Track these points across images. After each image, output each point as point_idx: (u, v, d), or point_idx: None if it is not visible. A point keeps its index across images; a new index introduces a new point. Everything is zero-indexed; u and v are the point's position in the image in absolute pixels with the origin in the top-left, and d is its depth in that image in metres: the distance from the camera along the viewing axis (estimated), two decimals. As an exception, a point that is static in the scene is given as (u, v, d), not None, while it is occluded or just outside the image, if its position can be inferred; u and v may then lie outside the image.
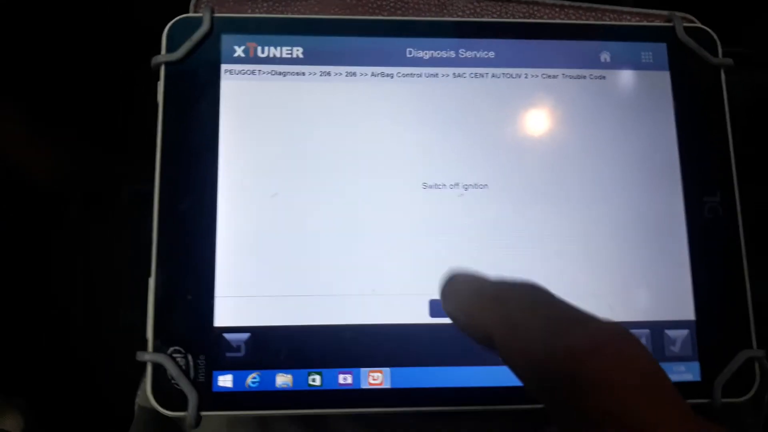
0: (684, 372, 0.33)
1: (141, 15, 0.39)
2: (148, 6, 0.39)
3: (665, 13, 0.37)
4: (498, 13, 0.37)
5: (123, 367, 0.40)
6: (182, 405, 0.30)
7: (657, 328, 0.33)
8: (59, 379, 0.44)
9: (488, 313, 0.20)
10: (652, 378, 0.16)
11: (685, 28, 0.36)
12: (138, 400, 0.36)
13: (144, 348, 0.31)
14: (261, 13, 0.36)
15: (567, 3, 0.37)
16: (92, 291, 0.46)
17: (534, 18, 0.37)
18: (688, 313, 0.33)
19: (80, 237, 0.46)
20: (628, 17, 0.38)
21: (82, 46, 0.43)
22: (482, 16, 0.37)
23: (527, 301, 0.19)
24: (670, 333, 0.33)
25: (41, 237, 0.44)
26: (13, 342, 0.42)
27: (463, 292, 0.21)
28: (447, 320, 0.31)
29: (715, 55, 0.35)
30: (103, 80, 0.45)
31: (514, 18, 0.37)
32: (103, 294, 0.46)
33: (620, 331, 0.17)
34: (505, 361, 0.19)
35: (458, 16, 0.37)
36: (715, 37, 0.36)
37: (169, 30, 0.33)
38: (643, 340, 0.32)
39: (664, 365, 0.31)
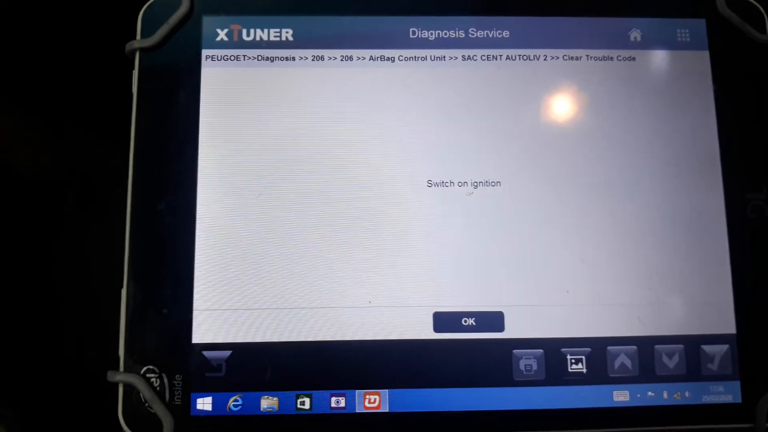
0: (723, 393, 0.29)
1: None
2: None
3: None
4: (513, -14, 0.33)
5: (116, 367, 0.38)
6: (156, 429, 0.27)
7: (693, 343, 0.30)
8: (47, 389, 0.42)
9: None
10: None
11: (727, 2, 0.31)
12: None
13: (116, 367, 0.28)
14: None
15: (591, -27, 0.33)
16: (86, 288, 0.43)
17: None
18: (729, 326, 0.30)
19: (77, 232, 0.44)
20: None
21: (72, 33, 0.41)
22: (494, -10, 0.33)
23: None
24: (708, 349, 0.30)
25: (36, 233, 0.42)
26: (4, 348, 0.40)
27: None
28: (453, 335, 0.28)
29: (763, 32, 0.31)
30: (98, 68, 0.42)
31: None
32: (97, 293, 0.43)
33: None
34: None
35: (468, -9, 0.33)
36: (762, 11, 0.32)
37: (145, 12, 0.30)
38: (677, 357, 0.29)
39: (701, 385, 0.28)
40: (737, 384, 0.29)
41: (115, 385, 0.29)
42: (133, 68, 0.30)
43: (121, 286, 0.29)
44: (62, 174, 0.42)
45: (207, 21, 0.30)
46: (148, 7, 0.30)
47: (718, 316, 0.30)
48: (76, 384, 0.40)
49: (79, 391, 0.39)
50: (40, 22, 0.38)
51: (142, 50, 0.30)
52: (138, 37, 0.30)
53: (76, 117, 0.41)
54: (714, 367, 0.29)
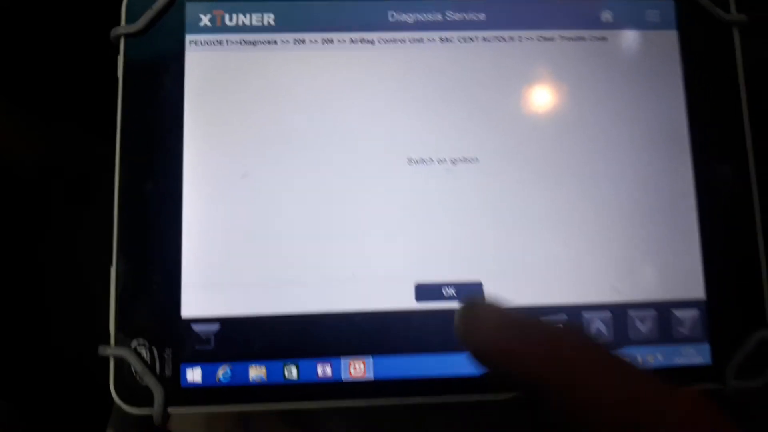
0: (693, 355, 0.30)
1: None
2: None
3: (673, -34, 0.34)
4: (488, -30, 0.34)
5: (103, 361, 0.39)
6: (148, 401, 0.28)
7: (664, 308, 0.31)
8: (36, 374, 0.42)
9: (544, 365, 0.18)
10: None
11: (694, -18, 0.32)
12: None
13: (107, 342, 0.29)
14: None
15: (564, -43, 0.34)
16: (74, 279, 0.44)
17: (528, -25, 0.34)
18: (698, 291, 0.31)
19: (65, 223, 0.44)
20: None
21: (55, 21, 0.41)
22: (471, -26, 0.34)
23: (596, 357, 0.18)
24: (679, 313, 0.31)
25: (20, 227, 0.42)
26: None
27: (499, 329, 0.19)
28: (434, 305, 0.29)
29: (728, 10, 0.32)
30: (84, 56, 0.42)
31: (506, -24, 0.34)
32: (85, 282, 0.44)
33: (712, 405, 0.16)
34: (557, 417, 0.17)
35: (444, -26, 0.33)
36: (728, -11, 0.33)
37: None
38: (650, 322, 0.30)
39: (672, 348, 0.29)
40: (707, 346, 0.31)
41: (105, 364, 0.29)
42: (118, 54, 0.31)
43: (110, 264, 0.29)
44: (48, 163, 0.42)
45: (190, 7, 0.31)
46: None
47: (688, 282, 0.31)
48: (66, 368, 0.40)
49: (69, 374, 0.40)
50: (21, 12, 0.39)
51: (127, 36, 0.30)
52: (123, 23, 0.31)
53: (60, 106, 0.42)
54: (685, 330, 0.30)
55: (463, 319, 0.19)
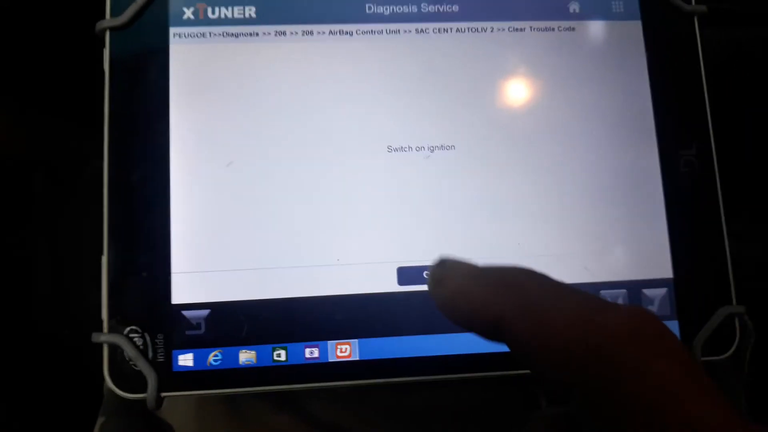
0: (662, 332, 0.32)
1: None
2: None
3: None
4: (461, -37, 0.35)
5: (93, 350, 0.39)
6: (141, 387, 0.29)
7: (634, 287, 0.32)
8: (26, 363, 0.43)
9: (501, 298, 0.19)
10: (694, 370, 0.16)
11: (657, -25, 0.34)
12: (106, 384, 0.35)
13: (100, 329, 0.29)
14: (210, -28, 0.34)
15: (533, -50, 0.35)
16: (58, 270, 0.44)
17: (499, -32, 0.35)
18: (666, 271, 0.32)
19: (45, 215, 0.45)
20: (598, -35, 0.36)
21: (40, 12, 0.41)
22: (445, -32, 0.35)
23: (546, 286, 0.19)
24: (648, 292, 0.32)
25: (3, 216, 0.42)
26: None
27: (463, 278, 0.20)
28: (415, 288, 0.30)
29: (688, 2, 0.34)
30: (64, 49, 0.43)
31: (478, -31, 0.35)
32: (70, 273, 0.44)
33: (655, 318, 0.17)
34: (519, 348, 0.18)
35: (419, -32, 0.35)
36: (688, -18, 0.34)
37: None
38: (621, 301, 0.31)
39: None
40: (675, 323, 0.32)
41: (89, 358, 0.30)
42: (103, 47, 0.31)
43: (101, 254, 0.30)
44: (31, 154, 0.42)
45: (174, 0, 0.32)
46: None
47: (657, 262, 0.32)
48: (55, 358, 0.41)
49: (57, 363, 0.40)
50: (3, 5, 0.39)
51: (112, 29, 0.31)
52: (107, 16, 0.31)
53: (41, 98, 0.42)
54: (654, 308, 0.32)
55: (432, 274, 0.21)
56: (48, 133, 0.45)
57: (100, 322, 0.30)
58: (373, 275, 0.31)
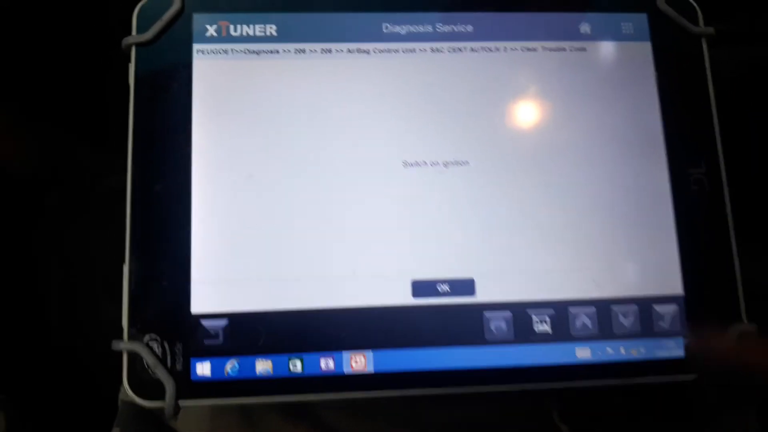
0: (673, 348, 0.32)
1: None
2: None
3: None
4: (474, -16, 0.36)
5: (105, 361, 0.39)
6: (160, 394, 0.29)
7: (645, 303, 0.33)
8: (40, 375, 0.43)
9: None
10: None
11: (665, -2, 0.35)
12: (121, 395, 0.36)
13: (120, 338, 0.30)
14: (232, -10, 0.35)
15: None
16: (71, 284, 0.45)
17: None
18: (677, 287, 0.33)
19: (58, 229, 0.45)
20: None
21: (55, 31, 0.42)
22: (460, -12, 0.36)
23: None
24: (659, 308, 0.33)
25: (17, 230, 0.43)
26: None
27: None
28: (429, 301, 0.31)
29: (696, 24, 0.35)
30: (78, 66, 0.44)
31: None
32: (83, 287, 0.45)
33: None
34: None
35: (435, -12, 0.36)
36: (696, 5, 0.35)
37: (140, 10, 0.32)
38: (632, 317, 0.32)
39: (654, 341, 0.31)
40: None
41: (101, 370, 0.30)
42: (128, 62, 0.32)
43: (116, 265, 0.31)
44: (47, 166, 0.43)
45: (197, 18, 0.33)
46: (143, 5, 0.33)
47: (667, 279, 0.33)
48: (67, 368, 0.41)
49: (71, 375, 0.40)
50: (24, 22, 0.40)
51: (138, 45, 0.32)
52: (133, 32, 0.32)
53: (58, 110, 0.43)
54: (665, 324, 0.32)
55: None
56: (60, 149, 0.45)
57: (113, 334, 0.30)
58: (387, 288, 0.31)
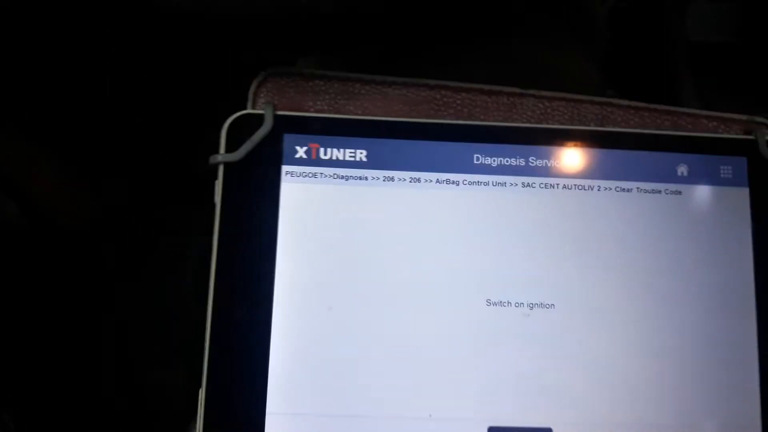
0: None
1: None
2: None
3: (744, 118, 0.36)
4: (569, 114, 0.35)
5: (152, 427, 0.39)
6: None
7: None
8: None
9: None
10: None
11: (768, 142, 0.34)
12: None
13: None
14: (322, 105, 0.34)
15: (642, 105, 0.35)
16: (123, 346, 0.45)
17: (607, 120, 0.35)
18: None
19: (112, 288, 0.46)
20: (705, 121, 0.36)
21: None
22: (552, 117, 0.35)
23: None
24: (738, 470, 0.31)
25: (73, 286, 0.43)
26: (41, 395, 0.42)
27: None
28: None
29: (797, 170, 0.34)
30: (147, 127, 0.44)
31: (586, 120, 0.35)
32: (134, 349, 0.45)
33: None
34: None
35: (527, 116, 0.35)
36: (798, 152, 0.34)
37: (229, 127, 0.32)
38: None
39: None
40: None
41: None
42: (215, 179, 0.32)
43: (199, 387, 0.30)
44: (102, 228, 0.43)
45: (288, 139, 0.32)
46: (232, 122, 0.32)
47: (749, 438, 0.32)
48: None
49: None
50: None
51: (226, 164, 0.32)
52: (222, 150, 0.32)
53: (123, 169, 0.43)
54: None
55: None
56: (119, 204, 0.46)
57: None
58: (463, 432, 0.31)
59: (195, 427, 0.30)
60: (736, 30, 0.55)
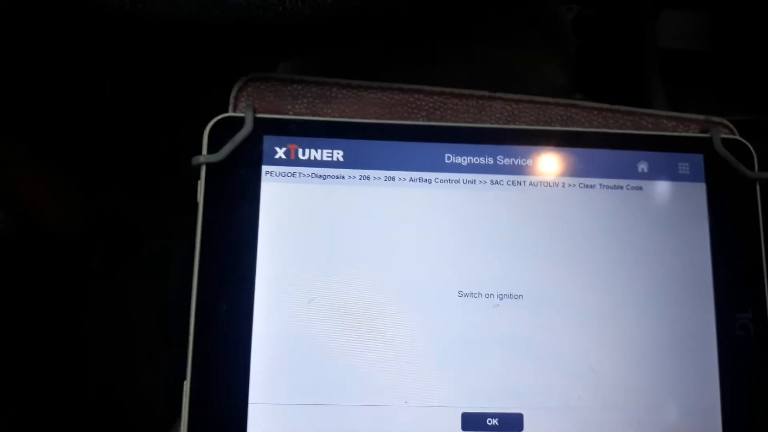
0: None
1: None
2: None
3: (701, 118, 0.37)
4: (535, 116, 0.37)
5: (138, 428, 0.40)
6: None
7: (685, 445, 0.33)
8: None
9: None
10: None
11: (723, 141, 0.36)
12: None
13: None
14: (301, 108, 0.36)
15: (605, 106, 0.37)
16: (109, 348, 0.46)
17: (572, 121, 0.37)
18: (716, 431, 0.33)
19: (98, 291, 0.46)
20: (665, 121, 0.38)
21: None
22: (520, 119, 0.37)
23: None
24: (697, 453, 0.33)
25: (58, 289, 0.44)
26: (27, 398, 0.42)
27: None
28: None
29: (752, 168, 0.35)
30: (135, 132, 0.45)
31: (551, 121, 0.37)
32: (119, 352, 0.46)
33: None
34: None
35: (496, 118, 0.37)
36: (752, 149, 0.36)
37: (211, 129, 0.33)
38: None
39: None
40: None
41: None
42: (198, 179, 0.33)
43: (184, 379, 0.32)
44: (90, 230, 0.44)
45: (268, 140, 0.34)
46: (214, 124, 0.34)
47: (707, 422, 0.34)
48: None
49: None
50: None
51: (209, 164, 0.33)
52: (204, 151, 0.33)
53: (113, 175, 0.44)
54: (704, 472, 0.33)
55: None
56: (107, 207, 0.46)
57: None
58: (438, 419, 0.32)
59: (179, 428, 0.31)
60: (705, 38, 0.57)
